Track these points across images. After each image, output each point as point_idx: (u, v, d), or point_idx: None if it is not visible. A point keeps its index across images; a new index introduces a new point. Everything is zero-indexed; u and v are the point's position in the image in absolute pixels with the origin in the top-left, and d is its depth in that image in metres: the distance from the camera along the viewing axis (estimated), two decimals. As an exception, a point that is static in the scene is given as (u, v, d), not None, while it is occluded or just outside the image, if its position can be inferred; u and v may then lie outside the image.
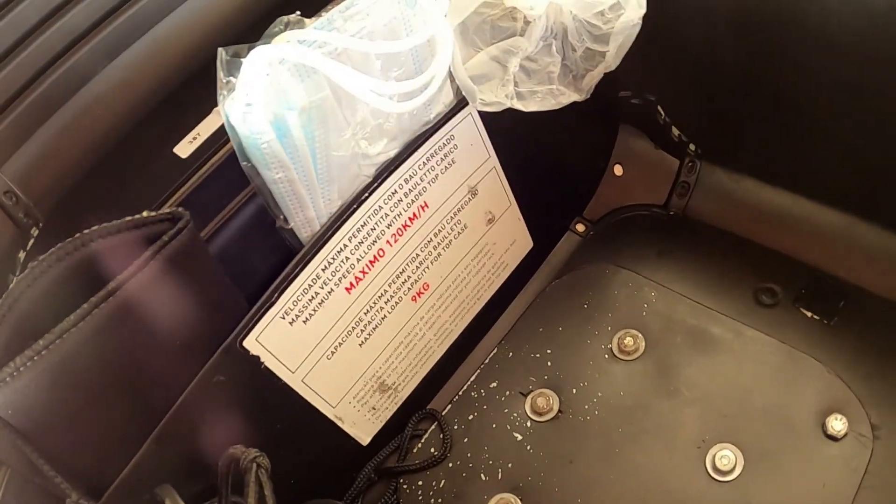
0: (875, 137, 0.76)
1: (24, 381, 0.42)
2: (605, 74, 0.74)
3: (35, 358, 0.42)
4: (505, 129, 0.75)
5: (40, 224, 0.55)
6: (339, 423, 0.73)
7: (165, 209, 0.52)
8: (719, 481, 0.73)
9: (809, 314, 0.83)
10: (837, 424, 0.74)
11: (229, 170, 0.58)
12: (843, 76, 0.72)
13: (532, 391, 0.81)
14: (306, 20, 0.56)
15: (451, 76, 0.66)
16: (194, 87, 0.58)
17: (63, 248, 0.45)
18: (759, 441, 0.75)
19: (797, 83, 0.76)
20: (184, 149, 0.63)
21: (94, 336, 0.45)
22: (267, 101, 0.51)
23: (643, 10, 0.66)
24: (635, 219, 0.97)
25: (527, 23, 0.66)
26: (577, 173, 0.98)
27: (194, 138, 0.63)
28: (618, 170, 0.99)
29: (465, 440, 0.80)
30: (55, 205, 0.57)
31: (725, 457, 0.73)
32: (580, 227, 0.97)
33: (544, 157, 0.88)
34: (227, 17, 0.66)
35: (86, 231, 0.46)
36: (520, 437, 0.79)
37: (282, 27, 0.54)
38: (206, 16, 0.66)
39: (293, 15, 0.56)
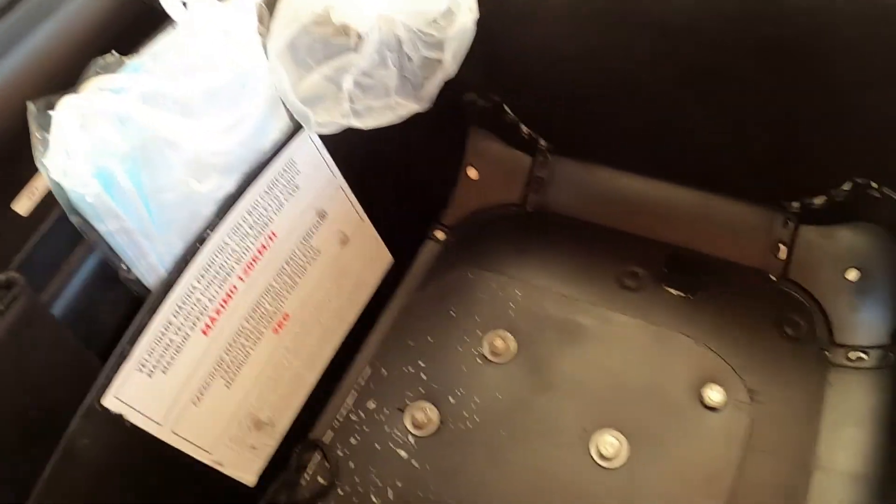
0: (712, 116, 0.84)
1: None
2: (449, 80, 0.77)
3: None
4: (348, 147, 0.78)
5: None
6: (220, 468, 0.74)
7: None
8: (606, 468, 0.78)
9: (674, 291, 0.90)
10: (715, 395, 0.80)
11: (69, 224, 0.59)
12: (676, 58, 0.78)
13: (410, 406, 0.85)
14: (125, 59, 0.58)
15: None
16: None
17: None
18: (640, 422, 0.80)
19: (633, 69, 0.83)
20: (22, 205, 0.64)
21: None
22: (87, 153, 0.52)
23: (475, 15, 0.71)
24: (493, 220, 1.02)
25: (359, 38, 0.70)
26: (430, 182, 1.03)
27: (32, 193, 0.64)
28: (472, 173, 1.04)
29: (351, 465, 0.83)
30: None
31: (609, 443, 0.79)
32: (439, 235, 1.02)
33: (393, 171, 0.92)
34: (53, 63, 0.67)
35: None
36: (405, 455, 0.82)
37: (98, 70, 0.56)
38: (33, 65, 0.67)
39: (109, 55, 0.58)
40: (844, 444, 0.77)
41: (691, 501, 0.75)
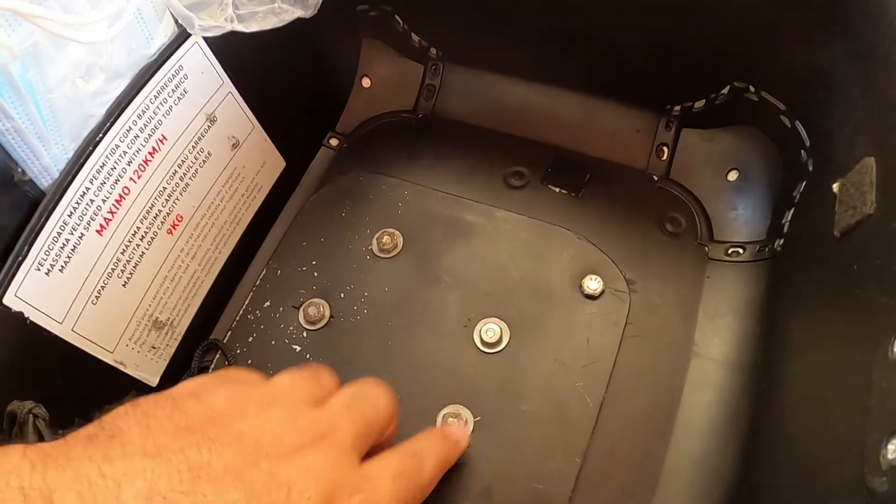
0: (593, 22, 0.90)
1: None
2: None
3: None
4: (238, 53, 0.82)
5: None
6: (122, 368, 0.79)
7: None
8: (489, 353, 0.84)
9: (557, 189, 0.97)
10: (593, 284, 0.86)
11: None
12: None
13: (303, 303, 0.90)
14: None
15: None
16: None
17: None
18: (522, 311, 0.86)
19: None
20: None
21: None
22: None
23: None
24: (386, 126, 1.08)
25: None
26: (324, 90, 1.07)
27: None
28: (365, 82, 1.09)
29: (249, 362, 0.88)
30: None
31: (491, 329, 0.84)
32: (334, 142, 1.07)
33: (286, 78, 0.96)
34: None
35: None
36: (299, 349, 0.88)
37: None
38: None
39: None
40: (720, 332, 0.84)
41: (571, 383, 0.81)
